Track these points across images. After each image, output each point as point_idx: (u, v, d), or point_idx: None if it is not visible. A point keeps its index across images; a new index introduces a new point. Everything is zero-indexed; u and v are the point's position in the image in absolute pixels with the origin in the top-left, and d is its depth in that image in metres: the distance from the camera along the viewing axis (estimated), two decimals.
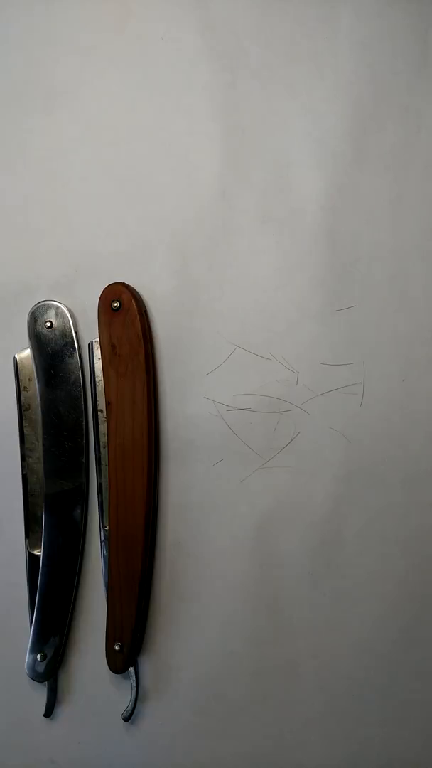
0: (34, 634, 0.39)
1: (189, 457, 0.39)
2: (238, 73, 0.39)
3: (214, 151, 0.39)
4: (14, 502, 0.40)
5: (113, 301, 0.38)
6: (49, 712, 0.40)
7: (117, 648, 0.38)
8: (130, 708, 0.39)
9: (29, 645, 0.40)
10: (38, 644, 0.39)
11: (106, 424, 0.38)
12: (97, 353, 0.39)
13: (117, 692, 0.40)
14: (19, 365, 0.40)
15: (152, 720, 0.40)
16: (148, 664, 0.40)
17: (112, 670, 0.39)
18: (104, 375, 0.38)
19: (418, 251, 0.39)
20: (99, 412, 0.39)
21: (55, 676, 0.40)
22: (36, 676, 0.40)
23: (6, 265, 0.41)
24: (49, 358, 0.39)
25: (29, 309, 0.39)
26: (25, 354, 0.40)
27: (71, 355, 0.39)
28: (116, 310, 0.38)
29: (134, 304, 0.38)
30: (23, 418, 0.40)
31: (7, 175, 0.41)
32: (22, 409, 0.40)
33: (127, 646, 0.38)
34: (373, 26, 0.39)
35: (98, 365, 0.39)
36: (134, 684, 0.39)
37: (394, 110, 0.39)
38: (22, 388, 0.40)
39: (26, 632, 0.40)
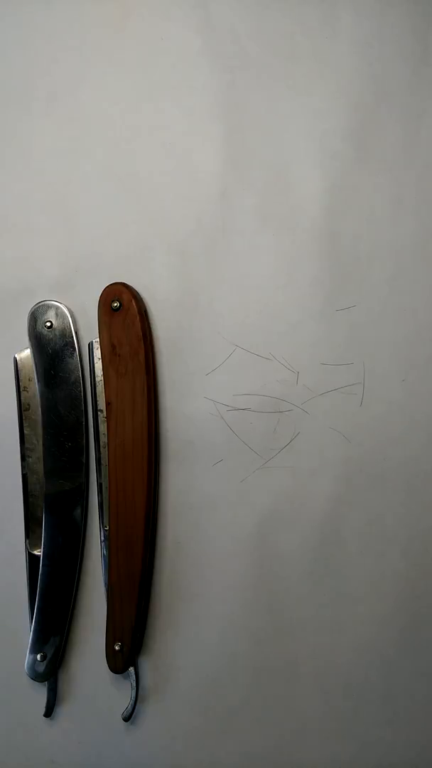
0: (34, 634, 0.39)
1: (189, 457, 0.39)
2: (238, 73, 0.39)
3: (214, 151, 0.39)
4: (14, 502, 0.40)
5: (113, 301, 0.38)
6: (49, 712, 0.40)
7: (117, 648, 0.38)
8: (130, 708, 0.39)
9: (29, 645, 0.39)
10: (38, 644, 0.39)
11: (106, 424, 0.38)
12: (97, 353, 0.39)
13: (117, 692, 0.40)
14: (19, 365, 0.40)
15: (152, 720, 0.40)
16: (148, 664, 0.40)
17: (112, 670, 0.39)
18: (104, 375, 0.38)
19: (418, 251, 0.39)
20: (99, 412, 0.39)
21: (55, 676, 0.40)
22: (36, 676, 0.40)
23: (6, 265, 0.41)
24: (49, 358, 0.39)
25: (29, 309, 0.39)
26: (25, 354, 0.40)
27: (71, 355, 0.39)
28: (116, 310, 0.38)
29: (134, 304, 0.38)
30: (23, 418, 0.40)
31: (7, 175, 0.41)
32: (22, 409, 0.40)
33: (127, 646, 0.38)
34: (373, 26, 0.39)
35: (98, 365, 0.39)
36: (134, 684, 0.39)
37: (394, 110, 0.39)
38: (22, 388, 0.40)
39: (26, 632, 0.40)
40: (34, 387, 0.39)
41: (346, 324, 0.39)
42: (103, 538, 0.39)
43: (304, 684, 0.39)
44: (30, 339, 0.39)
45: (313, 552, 0.39)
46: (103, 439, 0.39)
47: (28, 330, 0.39)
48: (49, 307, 0.39)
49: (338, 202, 0.39)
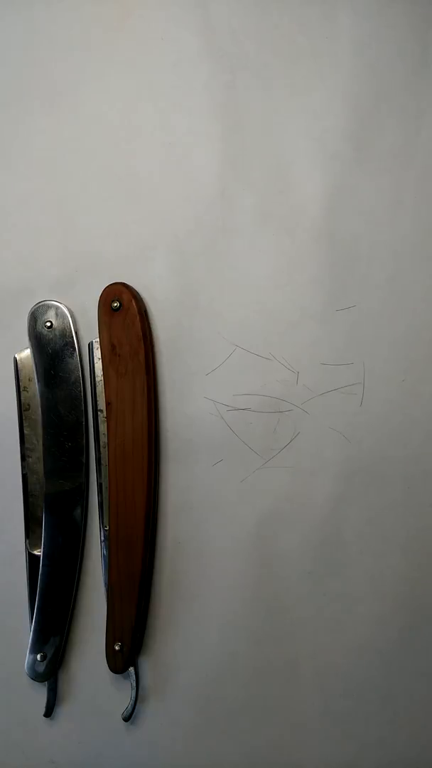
0: (34, 634, 0.39)
1: (189, 457, 0.39)
2: (238, 73, 0.39)
3: (214, 151, 0.39)
4: (14, 502, 0.40)
5: (113, 301, 0.38)
6: (49, 712, 0.40)
7: (117, 648, 0.38)
8: (130, 708, 0.39)
9: (29, 645, 0.40)
10: (38, 644, 0.39)
11: (106, 424, 0.38)
12: (97, 353, 0.39)
13: (117, 692, 0.40)
14: (19, 365, 0.40)
15: (152, 720, 0.40)
16: (148, 664, 0.40)
17: (112, 670, 0.39)
18: (104, 375, 0.38)
19: (418, 251, 0.39)
20: (99, 412, 0.39)
21: (55, 676, 0.40)
22: (36, 676, 0.40)
23: (6, 265, 0.41)
24: (49, 358, 0.39)
25: (29, 309, 0.39)
26: (25, 354, 0.40)
27: (71, 355, 0.39)
28: (116, 310, 0.38)
29: (134, 304, 0.38)
30: (23, 418, 0.40)
31: (7, 174, 0.41)
32: (22, 409, 0.40)
33: (127, 646, 0.38)
34: (373, 26, 0.39)
35: (98, 365, 0.39)
36: (134, 684, 0.39)
37: (394, 110, 0.39)
38: (22, 388, 0.40)
39: (26, 632, 0.40)
40: (34, 387, 0.39)
41: (346, 324, 0.39)
42: (103, 538, 0.39)
43: (304, 684, 0.39)
44: (30, 339, 0.39)
45: (313, 552, 0.39)
46: (103, 439, 0.39)
47: (28, 330, 0.39)
48: (49, 307, 0.39)
49: (338, 202, 0.39)
